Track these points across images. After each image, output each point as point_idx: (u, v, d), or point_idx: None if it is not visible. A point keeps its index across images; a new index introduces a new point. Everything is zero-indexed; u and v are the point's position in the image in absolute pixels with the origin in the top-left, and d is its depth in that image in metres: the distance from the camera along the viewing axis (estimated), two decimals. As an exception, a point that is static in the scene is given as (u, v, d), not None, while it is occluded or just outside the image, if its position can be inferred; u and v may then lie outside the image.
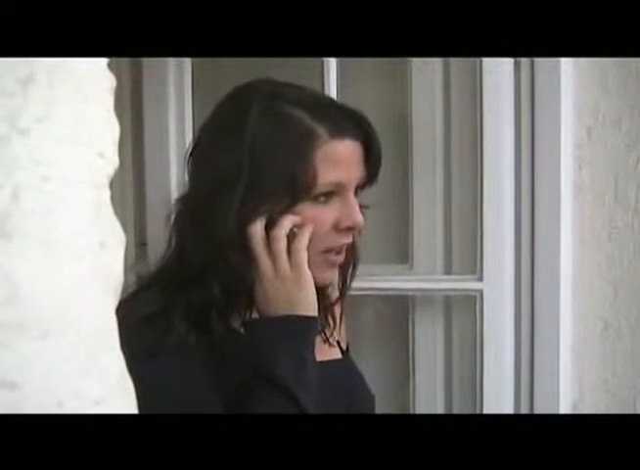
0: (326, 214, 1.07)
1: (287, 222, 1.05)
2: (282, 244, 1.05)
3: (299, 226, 1.06)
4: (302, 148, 1.03)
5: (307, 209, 1.06)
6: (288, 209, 1.04)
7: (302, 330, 1.05)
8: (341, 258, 1.12)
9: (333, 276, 1.14)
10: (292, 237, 1.05)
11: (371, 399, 1.25)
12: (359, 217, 1.09)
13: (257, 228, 1.04)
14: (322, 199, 1.06)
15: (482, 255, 1.45)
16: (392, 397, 1.64)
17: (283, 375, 1.00)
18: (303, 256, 1.05)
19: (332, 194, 1.07)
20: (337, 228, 1.08)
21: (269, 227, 1.05)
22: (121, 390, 0.49)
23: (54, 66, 0.46)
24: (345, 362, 1.26)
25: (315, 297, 1.07)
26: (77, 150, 0.46)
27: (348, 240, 1.11)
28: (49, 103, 0.45)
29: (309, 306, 1.05)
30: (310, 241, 1.06)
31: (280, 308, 1.04)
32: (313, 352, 1.06)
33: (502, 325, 1.45)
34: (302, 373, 1.02)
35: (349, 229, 1.09)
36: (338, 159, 1.06)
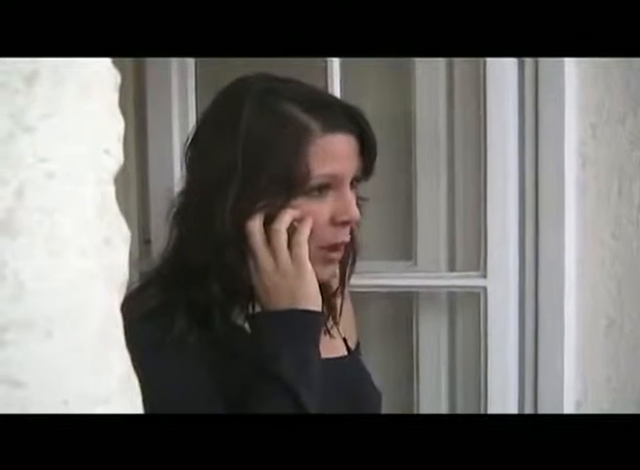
0: (322, 209, 1.07)
1: (287, 216, 1.04)
2: (283, 237, 1.04)
3: (299, 220, 1.05)
4: (295, 143, 1.03)
5: (303, 204, 1.05)
6: (284, 204, 1.04)
7: (306, 325, 1.04)
8: (339, 255, 1.12)
9: (331, 273, 1.14)
10: (292, 231, 1.05)
11: (378, 397, 1.24)
12: (355, 211, 1.08)
13: (256, 224, 1.04)
14: (316, 193, 1.06)
15: (486, 251, 1.45)
16: (396, 393, 1.64)
17: (285, 372, 0.99)
18: (304, 249, 1.05)
19: (327, 188, 1.07)
20: (333, 222, 1.08)
21: (268, 222, 1.05)
22: (127, 387, 0.49)
23: (59, 63, 0.46)
24: (352, 360, 1.25)
25: (318, 290, 1.06)
26: (82, 147, 0.46)
27: (346, 234, 1.10)
28: (54, 100, 0.45)
29: (312, 300, 1.05)
30: (309, 236, 1.06)
31: (282, 304, 1.04)
32: (318, 347, 1.05)
33: (506, 322, 1.45)
34: (305, 370, 1.01)
35: (346, 223, 1.09)
36: (331, 153, 1.05)
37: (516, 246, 1.45)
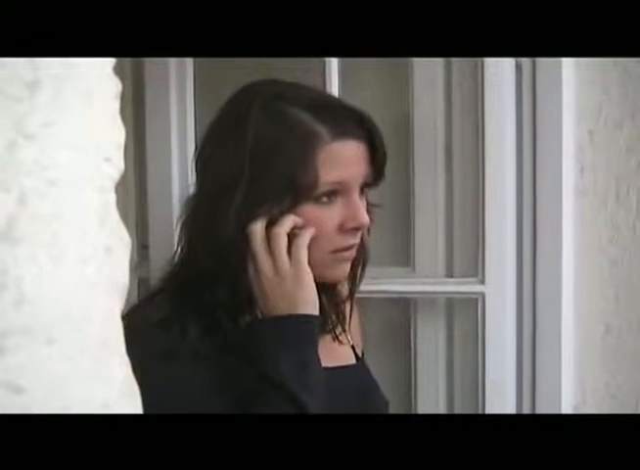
0: (330, 216, 1.06)
1: (288, 221, 1.04)
2: (282, 241, 1.04)
3: (301, 227, 1.05)
4: (304, 150, 1.03)
5: (310, 210, 1.05)
6: (289, 210, 1.04)
7: (303, 329, 1.04)
8: (352, 254, 1.11)
9: (345, 271, 1.13)
10: (292, 236, 1.05)
11: (385, 404, 1.24)
12: (364, 218, 1.08)
13: (257, 227, 1.04)
14: (325, 200, 1.06)
15: (484, 257, 1.45)
16: (395, 399, 1.64)
17: (284, 377, 0.99)
18: (304, 253, 1.05)
19: (335, 194, 1.06)
20: (342, 229, 1.07)
21: (270, 226, 1.05)
22: (127, 394, 0.49)
23: (60, 71, 0.46)
24: (360, 368, 1.25)
25: (316, 295, 1.06)
26: (83, 154, 0.46)
27: (356, 240, 1.10)
28: (55, 108, 0.45)
29: (310, 305, 1.05)
30: (317, 242, 1.06)
31: (280, 308, 1.04)
32: (316, 351, 1.05)
33: (504, 328, 1.45)
34: (304, 374, 1.01)
35: (355, 230, 1.09)
36: (340, 159, 1.05)
37: (513, 251, 1.45)
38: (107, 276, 0.47)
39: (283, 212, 1.04)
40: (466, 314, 1.56)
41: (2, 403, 0.43)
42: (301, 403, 0.98)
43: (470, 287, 1.49)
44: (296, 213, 1.05)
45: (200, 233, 1.07)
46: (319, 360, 1.05)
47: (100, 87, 0.48)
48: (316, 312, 1.06)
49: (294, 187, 1.03)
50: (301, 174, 1.02)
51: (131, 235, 0.51)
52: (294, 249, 1.05)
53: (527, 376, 1.47)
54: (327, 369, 1.07)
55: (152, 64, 1.56)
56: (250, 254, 1.05)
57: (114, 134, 0.48)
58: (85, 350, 0.46)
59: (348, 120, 1.07)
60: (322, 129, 1.04)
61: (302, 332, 1.04)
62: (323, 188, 1.05)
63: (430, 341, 1.62)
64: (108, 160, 0.47)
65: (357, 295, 1.27)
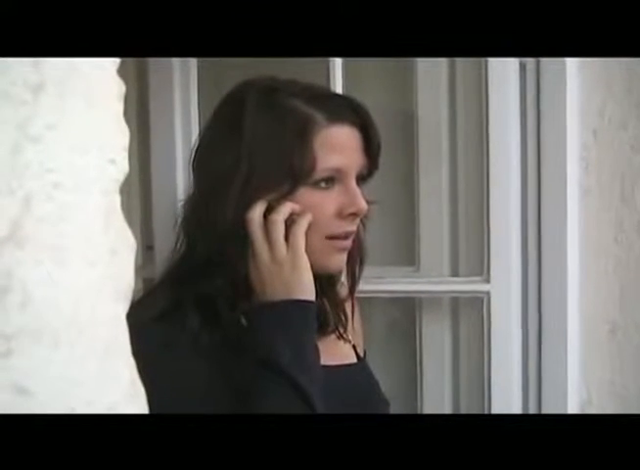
0: (328, 200, 1.07)
1: (285, 208, 1.05)
2: (279, 228, 1.05)
3: (298, 214, 1.06)
4: (301, 134, 1.04)
5: (308, 194, 1.06)
6: (287, 194, 1.05)
7: (299, 315, 1.04)
8: (348, 244, 1.11)
9: (341, 262, 1.13)
10: (290, 223, 1.06)
11: (386, 405, 1.24)
12: (362, 203, 1.08)
13: (256, 213, 1.05)
14: (322, 185, 1.07)
15: (489, 256, 1.45)
16: (400, 399, 1.64)
17: (282, 361, 0.99)
18: (301, 240, 1.05)
19: (333, 181, 1.07)
20: (340, 215, 1.08)
21: (268, 214, 1.05)
22: (133, 395, 0.49)
23: (64, 73, 0.46)
24: (361, 367, 1.25)
25: (312, 281, 1.06)
26: (88, 157, 0.46)
27: (353, 227, 1.10)
28: (60, 110, 0.45)
29: (306, 291, 1.05)
30: (315, 228, 1.06)
31: (277, 294, 1.04)
32: (314, 336, 1.05)
33: (509, 327, 1.45)
34: (302, 358, 1.01)
35: (353, 215, 1.09)
36: (337, 144, 1.06)
37: (519, 250, 1.45)
38: (112, 278, 0.47)
39: (281, 198, 1.05)
40: (471, 314, 1.56)
41: (8, 405, 0.44)
42: (301, 388, 0.99)
43: (475, 286, 1.49)
44: (294, 199, 1.05)
45: (199, 225, 1.08)
46: (317, 346, 1.05)
47: (104, 89, 0.48)
48: (313, 298, 1.06)
49: (292, 172, 1.04)
50: (299, 158, 1.03)
51: (136, 236, 0.51)
52: (291, 235, 1.05)
53: (533, 375, 1.47)
54: (327, 367, 1.07)
55: (155, 65, 1.57)
56: (248, 241, 1.06)
57: (118, 136, 0.48)
58: (91, 352, 0.46)
59: (343, 107, 1.09)
60: (317, 114, 1.06)
61: (299, 317, 1.04)
62: (321, 173, 1.05)
63: (435, 340, 1.61)
64: (112, 161, 0.47)
65: (362, 294, 1.27)
